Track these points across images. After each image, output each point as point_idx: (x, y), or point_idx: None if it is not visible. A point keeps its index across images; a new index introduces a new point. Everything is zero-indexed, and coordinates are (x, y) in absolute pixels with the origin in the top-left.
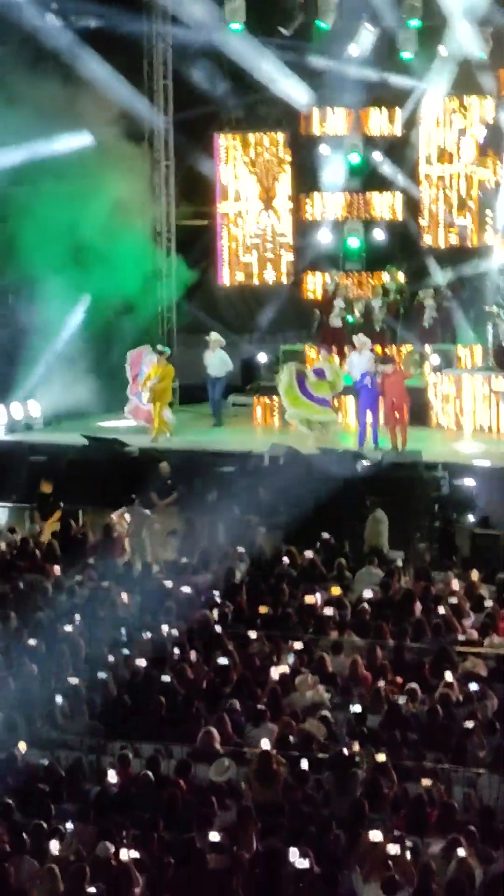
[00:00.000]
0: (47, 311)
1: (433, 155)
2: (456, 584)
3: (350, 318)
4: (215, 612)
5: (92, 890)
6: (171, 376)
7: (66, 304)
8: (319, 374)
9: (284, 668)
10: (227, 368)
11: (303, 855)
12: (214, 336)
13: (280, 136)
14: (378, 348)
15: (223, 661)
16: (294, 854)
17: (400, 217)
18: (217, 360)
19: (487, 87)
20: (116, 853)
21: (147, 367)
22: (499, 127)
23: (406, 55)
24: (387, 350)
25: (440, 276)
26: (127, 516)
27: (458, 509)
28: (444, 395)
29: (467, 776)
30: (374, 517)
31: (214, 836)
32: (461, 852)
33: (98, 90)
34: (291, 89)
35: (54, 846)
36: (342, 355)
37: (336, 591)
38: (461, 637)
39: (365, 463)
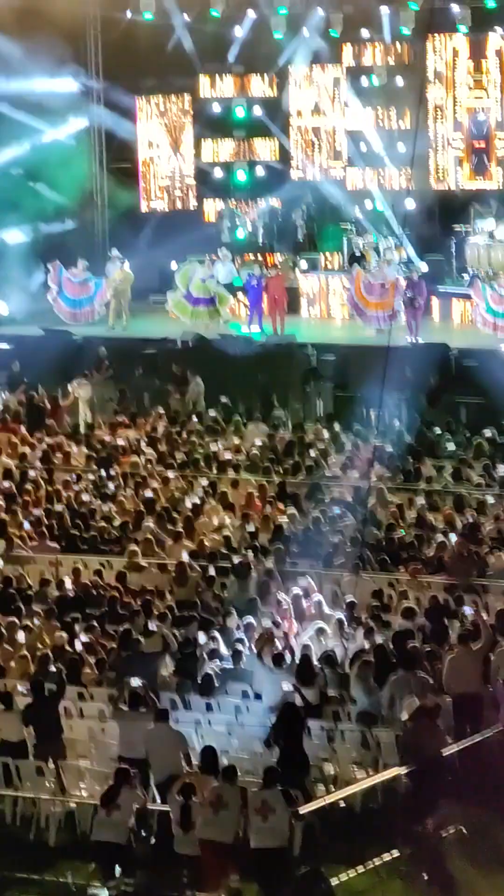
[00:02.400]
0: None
1: (303, 111)
2: (324, 434)
3: (237, 236)
4: (142, 458)
5: (52, 668)
6: (131, 280)
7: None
8: (203, 279)
9: (195, 500)
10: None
11: (211, 639)
12: (115, 251)
13: (185, 97)
14: (261, 257)
15: (149, 494)
16: (203, 637)
17: (276, 157)
18: (115, 269)
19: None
20: (71, 641)
21: (68, 275)
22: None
23: (277, 35)
24: (268, 257)
25: (307, 202)
26: (78, 386)
27: (322, 378)
28: (312, 292)
29: (334, 577)
30: (195, 382)
31: (151, 625)
32: (330, 633)
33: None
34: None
35: (22, 636)
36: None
37: (234, 440)
38: (328, 473)
39: (254, 342)
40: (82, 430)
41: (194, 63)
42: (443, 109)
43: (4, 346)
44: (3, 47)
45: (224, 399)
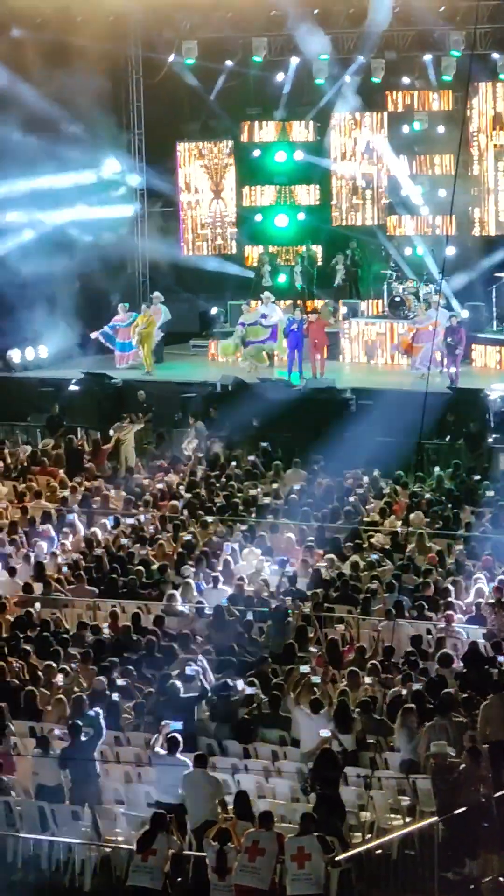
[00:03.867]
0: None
1: (339, 156)
2: (364, 479)
3: (278, 281)
4: (181, 503)
5: (91, 713)
6: (154, 323)
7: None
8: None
9: (234, 544)
10: (167, 318)
11: (249, 684)
12: (156, 294)
13: (227, 142)
14: (300, 302)
15: (188, 538)
16: (241, 683)
17: (318, 202)
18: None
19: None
20: (109, 686)
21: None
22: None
23: (319, 82)
24: (307, 303)
25: (349, 248)
26: (118, 430)
27: (361, 423)
28: (351, 337)
29: (371, 623)
30: (196, 427)
31: (188, 670)
32: (367, 680)
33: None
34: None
35: (60, 679)
36: None
37: (273, 485)
38: (366, 519)
39: (294, 387)
40: (122, 473)
41: (236, 108)
42: (484, 156)
43: (46, 389)
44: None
45: (264, 444)
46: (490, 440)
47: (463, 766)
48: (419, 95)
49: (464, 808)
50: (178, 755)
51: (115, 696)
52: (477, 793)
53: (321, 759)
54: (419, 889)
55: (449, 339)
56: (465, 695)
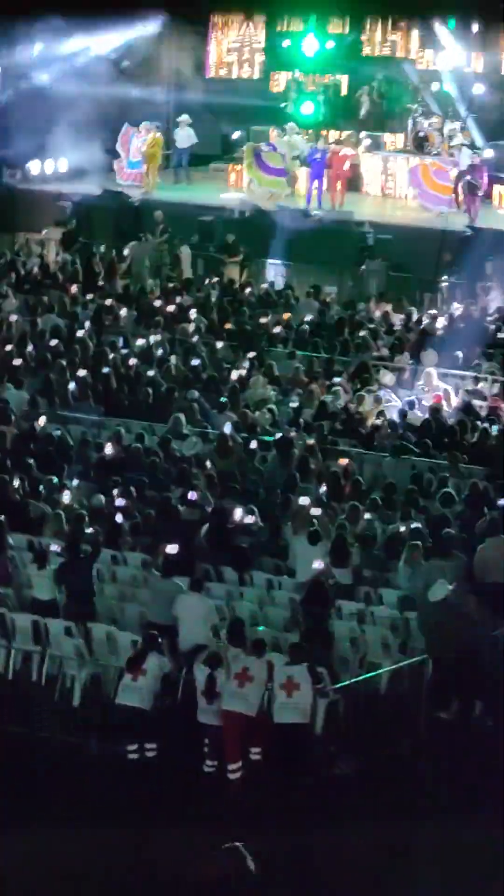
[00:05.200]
0: None
1: None
2: (376, 313)
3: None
4: (191, 326)
5: (88, 530)
6: (160, 143)
7: None
8: (272, 147)
9: (242, 371)
10: (192, 141)
11: (248, 513)
12: (184, 116)
13: None
14: (324, 132)
15: (196, 362)
16: (239, 512)
17: (347, 31)
18: (185, 135)
19: None
20: (109, 505)
21: (137, 139)
22: None
23: None
24: (331, 133)
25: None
26: (133, 249)
27: (377, 256)
28: (374, 170)
29: (375, 459)
30: (183, 249)
31: (192, 495)
32: (367, 515)
33: None
34: None
35: (64, 496)
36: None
37: (285, 315)
38: (376, 354)
39: (312, 217)
40: (133, 293)
41: None
42: None
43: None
44: None
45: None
46: None
47: (462, 608)
48: None
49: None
50: (175, 578)
51: (116, 516)
52: (472, 636)
53: (311, 592)
54: (406, 725)
55: (470, 178)
56: (465, 535)
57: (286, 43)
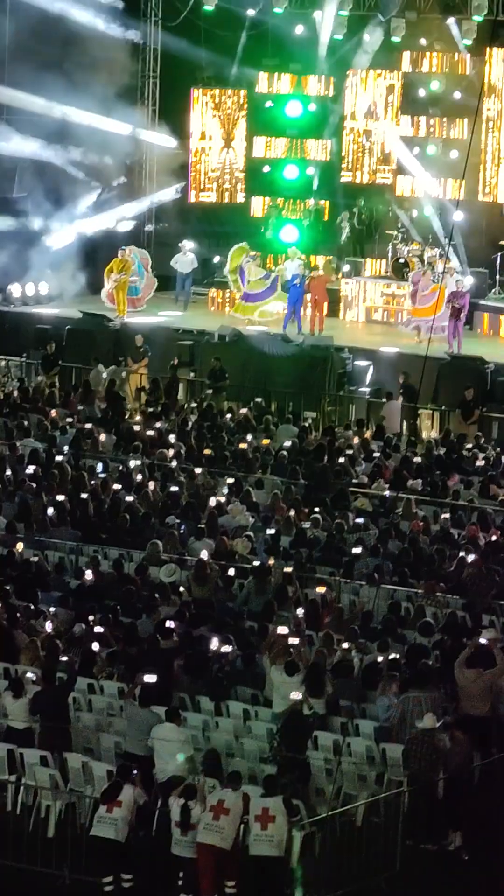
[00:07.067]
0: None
1: (357, 114)
2: (355, 440)
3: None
4: (171, 452)
5: (64, 658)
6: (129, 270)
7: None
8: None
9: (220, 498)
10: (194, 266)
11: (224, 642)
12: (187, 242)
13: (241, 92)
14: (303, 257)
15: (174, 488)
16: (216, 641)
17: (328, 158)
18: (188, 260)
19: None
20: (86, 632)
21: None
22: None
23: (337, 36)
24: (310, 259)
25: (355, 205)
26: (111, 373)
27: (357, 382)
28: (352, 296)
29: (353, 587)
30: (97, 369)
31: (170, 624)
32: (344, 645)
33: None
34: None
35: (39, 625)
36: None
37: (264, 441)
38: (355, 480)
39: (290, 344)
40: (114, 417)
41: (253, 58)
42: (496, 122)
43: (44, 326)
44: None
45: (258, 398)
46: (483, 409)
47: (446, 740)
48: (437, 58)
49: (441, 780)
50: (151, 708)
51: (91, 644)
52: (457, 766)
53: (289, 722)
54: (382, 857)
55: (454, 303)
56: (441, 666)
57: (266, 168)
